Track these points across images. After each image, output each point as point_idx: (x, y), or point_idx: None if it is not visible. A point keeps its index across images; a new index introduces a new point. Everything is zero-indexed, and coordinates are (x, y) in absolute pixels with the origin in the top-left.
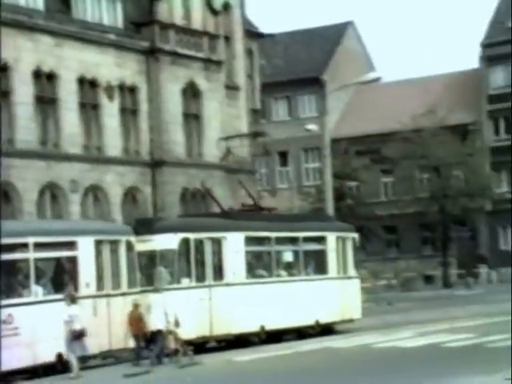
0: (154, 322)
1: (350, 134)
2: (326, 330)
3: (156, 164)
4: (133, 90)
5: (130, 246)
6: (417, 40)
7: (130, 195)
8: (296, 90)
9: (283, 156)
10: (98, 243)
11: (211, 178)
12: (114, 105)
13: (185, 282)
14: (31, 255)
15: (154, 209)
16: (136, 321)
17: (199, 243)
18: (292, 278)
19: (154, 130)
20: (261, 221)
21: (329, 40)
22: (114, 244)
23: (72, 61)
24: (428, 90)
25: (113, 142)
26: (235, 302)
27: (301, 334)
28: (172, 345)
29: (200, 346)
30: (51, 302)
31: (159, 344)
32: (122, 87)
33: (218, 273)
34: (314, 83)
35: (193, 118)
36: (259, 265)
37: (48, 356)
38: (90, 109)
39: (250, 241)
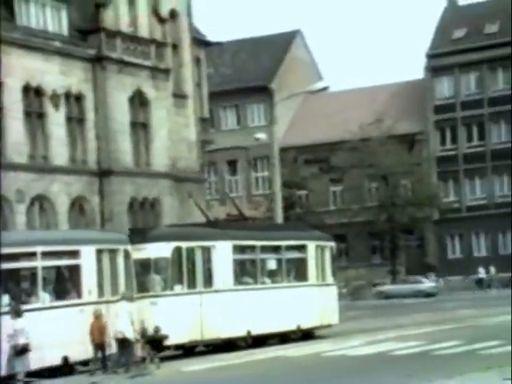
0: (121, 331)
1: (298, 142)
2: (306, 335)
3: (103, 173)
4: (79, 98)
5: (127, 255)
6: (363, 50)
7: (78, 205)
8: (244, 98)
9: (232, 165)
10: (99, 252)
11: (159, 187)
12: (60, 113)
13: (177, 288)
14: (39, 263)
15: (101, 218)
16: (98, 330)
17: (191, 251)
18: (276, 285)
19: (101, 138)
20: (246, 230)
21: (277, 48)
22: (113, 252)
23: (17, 68)
24: (375, 100)
25: (59, 151)
26: (224, 308)
27: (284, 338)
28: (139, 353)
29: (190, 350)
30: (57, 309)
31: (127, 352)
32: (68, 95)
33: (208, 280)
34: (262, 92)
35: (140, 127)
36: (245, 272)
37: (54, 359)
38: (35, 117)
39: (237, 249)
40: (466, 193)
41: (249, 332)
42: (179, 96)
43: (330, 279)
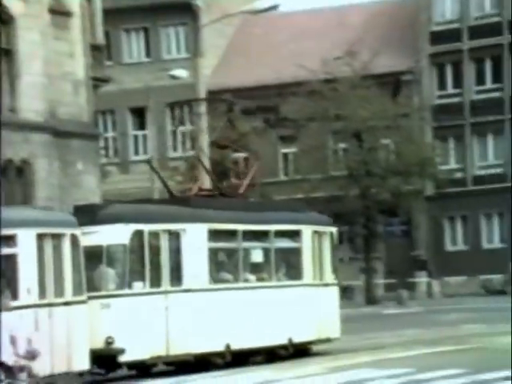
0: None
1: (234, 84)
2: (300, 351)
3: None
4: None
5: (75, 241)
6: None
7: None
8: (157, 19)
9: (139, 114)
10: (40, 238)
11: (30, 144)
12: None
13: (137, 286)
14: None
15: None
16: None
17: (154, 237)
18: (262, 284)
19: None
20: (224, 209)
21: None
22: (57, 238)
23: None
24: (345, 25)
25: None
26: (196, 313)
27: (271, 355)
28: None
29: (145, 370)
30: None
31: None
32: None
33: (176, 276)
34: (182, 10)
35: (2, 56)
36: (224, 266)
37: None
38: None
39: (213, 235)
40: (473, 157)
41: (228, 346)
42: (59, 12)
43: (330, 277)
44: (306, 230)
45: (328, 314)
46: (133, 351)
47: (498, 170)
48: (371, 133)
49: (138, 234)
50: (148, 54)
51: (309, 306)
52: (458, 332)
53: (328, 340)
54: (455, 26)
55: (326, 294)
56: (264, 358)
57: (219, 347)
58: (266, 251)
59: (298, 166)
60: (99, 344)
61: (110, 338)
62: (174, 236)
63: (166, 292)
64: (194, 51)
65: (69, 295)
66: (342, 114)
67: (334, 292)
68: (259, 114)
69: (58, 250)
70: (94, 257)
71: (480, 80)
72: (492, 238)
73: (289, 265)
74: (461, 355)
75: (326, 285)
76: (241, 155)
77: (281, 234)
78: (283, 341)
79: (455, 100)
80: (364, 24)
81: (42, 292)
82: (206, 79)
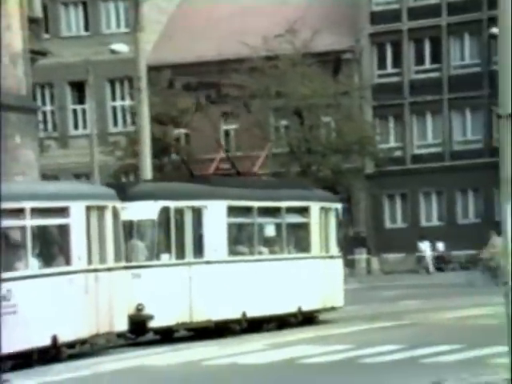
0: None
1: (175, 59)
2: (308, 319)
3: None
4: None
5: (116, 213)
6: None
7: None
8: None
9: (78, 88)
10: (88, 210)
11: None
12: None
13: (164, 258)
14: (28, 222)
15: None
16: None
17: (179, 213)
18: (274, 257)
19: None
20: (241, 187)
21: None
22: (101, 210)
23: None
24: (287, 3)
25: None
26: (217, 283)
27: (282, 322)
28: None
29: (168, 335)
30: (47, 277)
31: None
32: None
33: (198, 249)
34: None
35: None
36: (240, 240)
37: (43, 339)
38: None
39: (232, 211)
40: (412, 136)
41: (244, 314)
42: None
43: (335, 250)
44: (314, 207)
45: (333, 285)
46: (160, 318)
47: (437, 149)
48: (312, 111)
49: (165, 210)
50: (87, 28)
51: (316, 276)
52: (395, 308)
53: (333, 308)
54: (395, 6)
55: (332, 266)
56: (276, 325)
57: (236, 315)
58: (278, 226)
59: (240, 142)
60: (130, 310)
61: (140, 305)
62: (197, 212)
63: (189, 263)
64: (133, 25)
65: (111, 262)
66: (282, 91)
67: (339, 264)
68: (200, 91)
69: (101, 222)
70: (125, 231)
71: (419, 60)
72: (430, 216)
73: (298, 238)
74: (397, 331)
75: (332, 257)
76: (182, 131)
77: (291, 210)
78: (293, 309)
79: (395, 79)
80: (305, 2)
81: (90, 259)
82: (147, 54)
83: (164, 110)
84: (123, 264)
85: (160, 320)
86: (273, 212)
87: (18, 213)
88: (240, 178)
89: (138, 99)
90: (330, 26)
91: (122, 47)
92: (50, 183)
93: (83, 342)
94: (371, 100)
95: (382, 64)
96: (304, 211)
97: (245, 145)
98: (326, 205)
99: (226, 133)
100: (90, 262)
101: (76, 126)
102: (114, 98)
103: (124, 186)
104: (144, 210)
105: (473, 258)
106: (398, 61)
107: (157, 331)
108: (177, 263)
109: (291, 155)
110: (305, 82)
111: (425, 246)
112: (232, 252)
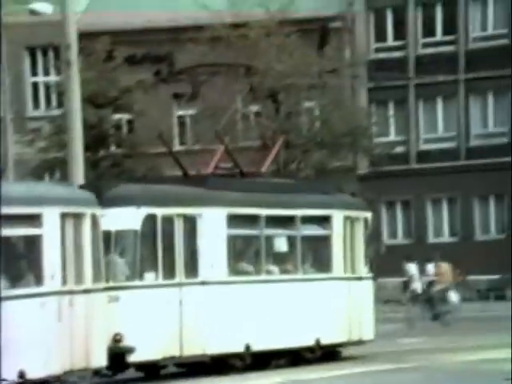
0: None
1: (115, 24)
2: (329, 354)
3: None
4: None
5: (95, 223)
6: None
7: None
8: None
9: None
10: (63, 218)
11: None
12: None
13: (149, 277)
14: None
15: None
16: None
17: (168, 223)
18: (287, 277)
19: None
20: (245, 191)
21: None
22: (78, 219)
23: None
24: None
25: None
26: (214, 309)
27: (296, 357)
28: None
29: (154, 372)
30: (13, 299)
31: None
32: None
33: (191, 266)
34: None
35: None
36: (244, 256)
37: (9, 375)
38: None
39: (233, 221)
40: (419, 127)
41: (247, 347)
42: None
43: (363, 270)
44: (337, 216)
45: (361, 312)
46: (143, 350)
47: (449, 145)
48: (290, 93)
49: (150, 219)
50: None
51: (339, 302)
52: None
53: (360, 342)
54: None
55: (359, 289)
56: (288, 360)
57: (238, 348)
58: (292, 239)
59: (198, 132)
60: (107, 341)
61: (118, 335)
62: (190, 221)
63: (180, 284)
64: None
65: (88, 282)
66: (253, 67)
67: (368, 287)
68: (148, 65)
69: (78, 233)
70: (103, 243)
71: (428, 30)
72: (441, 230)
73: (317, 255)
74: (399, 375)
75: (359, 278)
76: (124, 117)
77: (308, 220)
78: (310, 342)
79: (397, 54)
80: None
81: (64, 278)
82: (78, 16)
83: (100, 89)
84: (103, 285)
85: (143, 353)
86: (285, 222)
87: None
88: (244, 180)
89: (67, 74)
90: None
91: (44, 7)
92: (18, 184)
93: (55, 379)
94: (366, 80)
95: (380, 35)
96: (324, 221)
97: (205, 135)
98: (353, 213)
99: (180, 120)
100: (64, 281)
101: None
102: (34, 73)
103: (99, 189)
104: (124, 219)
105: (494, 284)
106: (401, 31)
107: (139, 367)
108: (164, 284)
109: (263, 150)
110: (282, 57)
111: (413, 269)
112: (233, 271)
